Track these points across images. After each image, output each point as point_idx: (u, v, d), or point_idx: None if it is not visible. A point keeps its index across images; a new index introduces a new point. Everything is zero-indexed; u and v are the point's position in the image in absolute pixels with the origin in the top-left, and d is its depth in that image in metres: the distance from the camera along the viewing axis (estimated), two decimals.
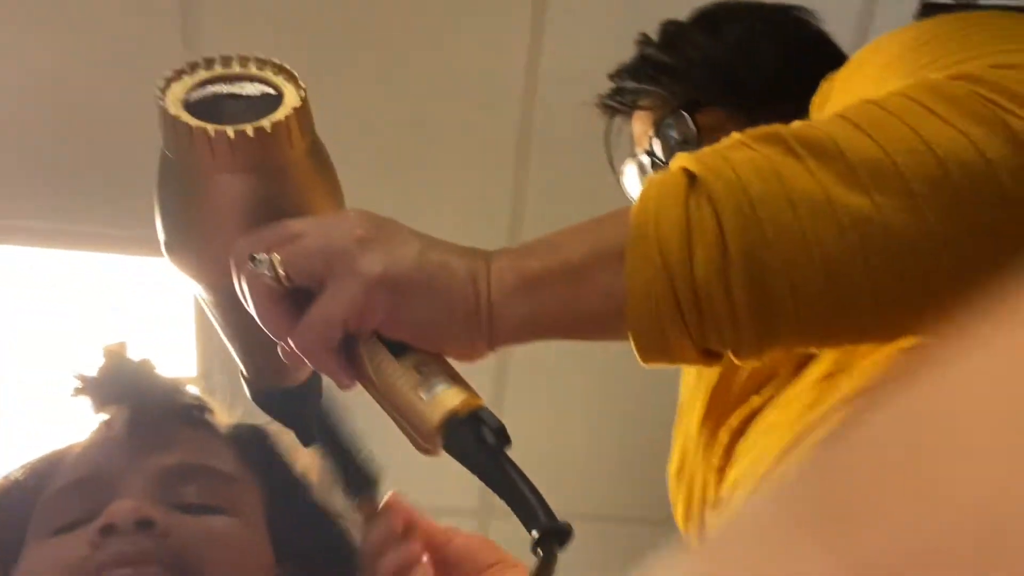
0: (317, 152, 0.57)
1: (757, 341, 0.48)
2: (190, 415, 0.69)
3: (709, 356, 0.50)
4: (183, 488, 0.64)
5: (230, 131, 0.52)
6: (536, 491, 0.46)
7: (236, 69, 0.57)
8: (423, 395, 0.50)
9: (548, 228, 0.54)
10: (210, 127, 0.52)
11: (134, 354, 0.69)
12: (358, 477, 0.62)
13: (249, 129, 0.52)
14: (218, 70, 0.57)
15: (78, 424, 0.69)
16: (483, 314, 0.50)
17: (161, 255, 0.57)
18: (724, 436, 0.67)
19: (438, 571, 0.62)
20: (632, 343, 0.50)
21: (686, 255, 0.47)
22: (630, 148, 0.98)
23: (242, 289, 0.53)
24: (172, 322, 1.89)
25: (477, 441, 0.48)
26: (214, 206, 0.55)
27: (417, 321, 0.51)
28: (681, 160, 0.51)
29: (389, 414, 0.52)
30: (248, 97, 0.56)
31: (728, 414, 0.67)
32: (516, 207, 1.83)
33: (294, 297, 0.52)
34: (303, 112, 0.55)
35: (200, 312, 1.86)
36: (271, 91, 0.56)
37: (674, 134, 0.89)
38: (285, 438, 0.73)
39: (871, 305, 0.48)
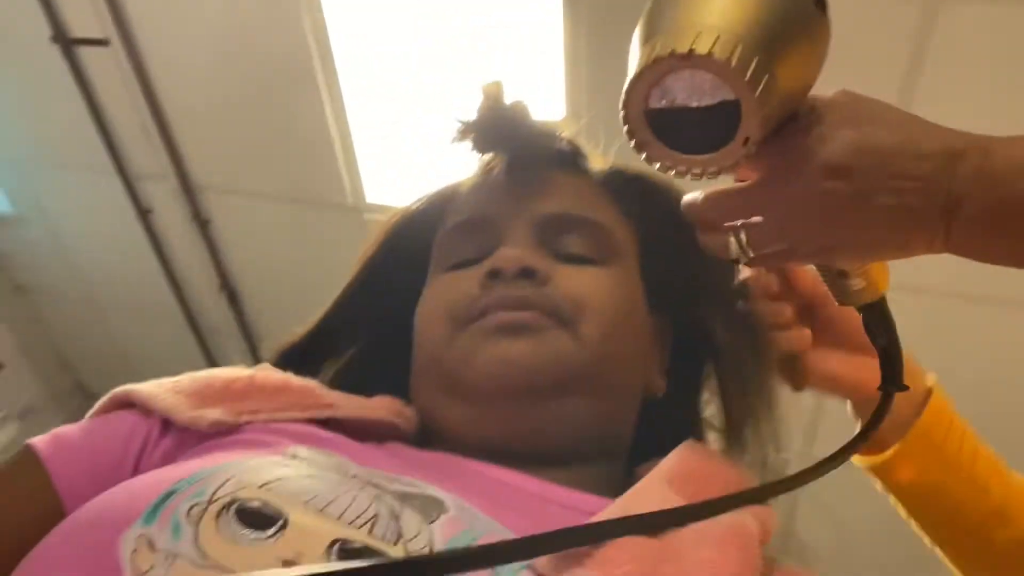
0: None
1: None
2: (565, 160, 0.68)
3: None
4: (562, 237, 0.64)
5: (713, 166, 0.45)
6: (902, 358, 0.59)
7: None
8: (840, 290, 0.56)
9: None
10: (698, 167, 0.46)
11: (508, 96, 0.67)
12: None
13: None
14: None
15: (464, 160, 0.70)
16: (939, 243, 0.46)
17: None
18: None
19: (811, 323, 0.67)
20: None
21: None
22: None
23: (704, 244, 0.52)
24: (541, 59, 1.89)
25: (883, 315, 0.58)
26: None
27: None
28: None
29: None
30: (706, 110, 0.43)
31: None
32: None
33: None
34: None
35: (570, 48, 1.84)
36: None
37: None
38: (662, 183, 0.69)
39: None
